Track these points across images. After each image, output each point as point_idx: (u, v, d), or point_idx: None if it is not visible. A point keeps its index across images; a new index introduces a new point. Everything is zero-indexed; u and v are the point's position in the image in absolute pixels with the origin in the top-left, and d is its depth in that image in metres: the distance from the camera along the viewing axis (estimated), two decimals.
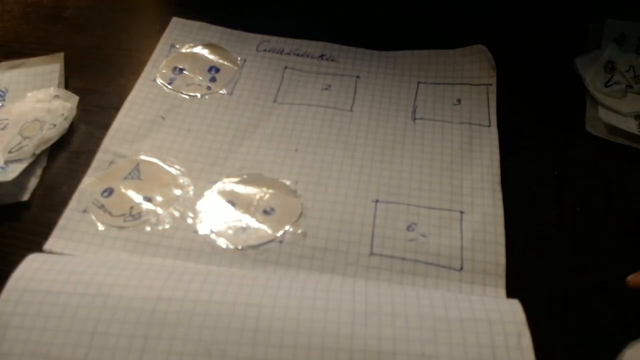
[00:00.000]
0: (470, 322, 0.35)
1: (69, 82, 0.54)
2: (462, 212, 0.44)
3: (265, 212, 0.44)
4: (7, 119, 0.50)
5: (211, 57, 0.56)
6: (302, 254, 0.42)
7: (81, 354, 0.33)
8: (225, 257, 0.41)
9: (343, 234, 0.43)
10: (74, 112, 0.50)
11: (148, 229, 0.43)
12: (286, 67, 0.55)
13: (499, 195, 0.45)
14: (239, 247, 0.42)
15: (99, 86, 0.54)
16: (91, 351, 0.33)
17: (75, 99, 0.51)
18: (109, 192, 0.45)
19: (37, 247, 0.41)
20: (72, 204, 0.44)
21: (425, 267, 0.41)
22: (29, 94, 0.52)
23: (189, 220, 0.43)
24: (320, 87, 0.53)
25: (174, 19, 0.59)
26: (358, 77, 0.54)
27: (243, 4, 0.62)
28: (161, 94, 0.52)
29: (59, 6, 0.63)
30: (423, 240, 0.43)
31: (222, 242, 0.42)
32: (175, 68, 0.54)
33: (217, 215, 0.44)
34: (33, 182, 0.46)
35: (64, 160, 0.48)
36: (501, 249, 0.42)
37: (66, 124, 0.49)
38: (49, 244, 0.41)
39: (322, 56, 0.56)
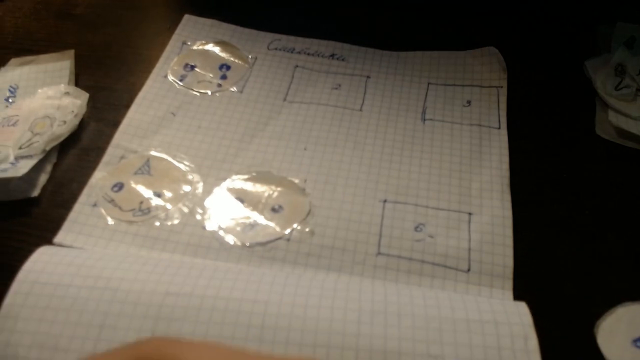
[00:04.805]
0: (476, 324, 0.35)
1: (79, 79, 0.54)
2: (470, 214, 0.44)
3: (274, 210, 0.44)
4: (17, 115, 0.50)
5: (222, 54, 0.56)
6: (310, 252, 0.42)
7: (89, 347, 0.33)
8: (232, 254, 0.42)
9: (351, 233, 0.43)
10: (84, 110, 0.51)
11: (157, 224, 0.43)
12: (297, 66, 0.55)
13: (507, 197, 0.45)
14: (247, 244, 0.42)
15: (109, 84, 0.54)
16: (99, 344, 0.33)
17: (85, 96, 0.51)
18: (119, 186, 0.45)
19: (47, 242, 0.41)
20: (83, 197, 0.44)
21: (432, 268, 0.41)
22: (39, 91, 0.52)
23: (198, 216, 0.43)
24: (330, 87, 0.53)
25: (186, 16, 0.59)
26: (368, 77, 0.54)
27: (254, 2, 0.62)
28: (172, 91, 0.53)
29: (69, 3, 0.63)
30: (430, 241, 0.43)
31: (230, 239, 0.42)
32: (186, 65, 0.55)
33: (225, 211, 0.44)
34: (43, 179, 0.46)
35: (74, 157, 0.48)
36: (509, 251, 0.42)
37: (76, 121, 0.50)
38: (59, 237, 0.42)
39: (332, 55, 0.56)
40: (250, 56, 0.56)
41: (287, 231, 0.43)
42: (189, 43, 0.57)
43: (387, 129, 0.50)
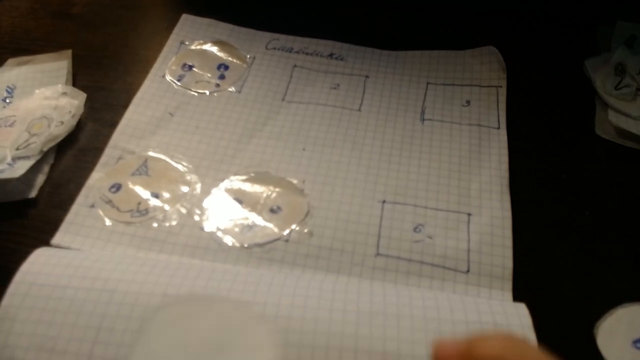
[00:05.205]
0: (476, 325, 0.34)
1: (77, 79, 0.54)
2: (469, 215, 0.44)
3: (272, 211, 0.44)
4: (14, 116, 0.50)
5: (220, 54, 0.56)
6: (308, 253, 0.42)
7: (86, 349, 0.33)
8: (231, 255, 0.41)
9: (349, 234, 0.43)
10: (81, 110, 0.50)
11: (155, 225, 0.43)
12: (295, 66, 0.55)
13: (507, 197, 0.45)
14: (245, 245, 0.42)
15: (106, 84, 0.54)
16: (96, 346, 0.33)
17: (82, 96, 0.51)
18: (117, 187, 0.45)
19: (44, 243, 0.41)
20: (80, 198, 0.44)
21: (431, 268, 0.41)
22: (36, 91, 0.52)
23: (196, 217, 0.43)
24: (329, 86, 0.53)
25: (184, 16, 0.59)
26: (367, 76, 0.54)
27: (253, 1, 0.61)
28: (170, 91, 0.52)
29: (66, 3, 0.63)
30: (429, 242, 0.42)
31: (228, 240, 0.42)
32: (184, 65, 0.54)
33: (223, 212, 0.44)
34: (40, 179, 0.46)
35: (71, 157, 0.48)
36: (508, 252, 0.42)
37: (73, 122, 0.49)
38: (56, 239, 0.42)
39: (331, 55, 0.56)
40: (248, 56, 0.56)
41: (286, 232, 0.43)
42: (186, 43, 0.57)
43: (385, 129, 0.50)
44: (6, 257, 0.41)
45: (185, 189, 0.45)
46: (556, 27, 0.59)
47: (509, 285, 0.40)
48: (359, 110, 0.52)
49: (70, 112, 0.50)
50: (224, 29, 0.58)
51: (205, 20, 0.59)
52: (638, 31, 0.56)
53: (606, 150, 0.49)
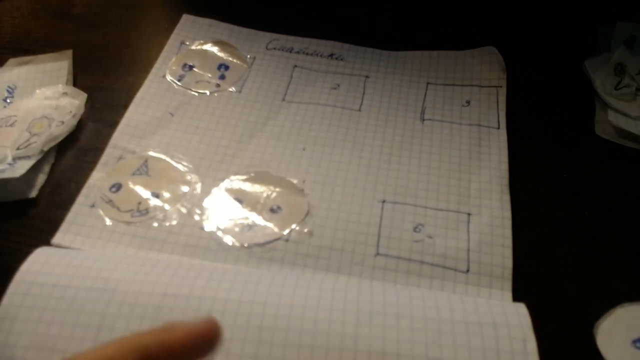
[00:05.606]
0: (475, 325, 0.34)
1: (77, 79, 0.54)
2: (469, 214, 0.44)
3: (272, 211, 0.44)
4: (15, 116, 0.50)
5: (221, 54, 0.56)
6: (308, 253, 0.42)
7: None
8: (231, 255, 0.41)
9: (349, 233, 0.43)
10: (82, 110, 0.51)
11: (155, 224, 0.43)
12: (295, 66, 0.55)
13: (506, 197, 0.45)
14: (245, 244, 0.42)
15: (107, 84, 0.54)
16: None
17: (83, 96, 0.51)
18: (117, 187, 0.45)
19: (44, 243, 0.41)
20: (81, 198, 0.44)
21: (431, 268, 0.41)
22: (37, 91, 0.52)
23: (196, 217, 0.43)
24: (329, 87, 0.53)
25: (185, 16, 0.59)
26: (367, 76, 0.54)
27: (254, 2, 0.62)
28: (170, 91, 0.52)
29: (67, 3, 0.63)
30: (429, 242, 0.42)
31: (229, 240, 0.42)
32: (185, 65, 0.55)
33: (224, 212, 0.44)
34: (41, 179, 0.46)
35: (72, 157, 0.48)
36: (508, 252, 0.42)
37: (74, 122, 0.50)
38: (56, 238, 0.42)
39: (331, 55, 0.56)
40: (248, 56, 0.56)
41: (286, 232, 0.43)
42: (187, 43, 0.57)
43: (386, 129, 0.50)
44: (6, 257, 0.41)
45: (185, 188, 0.45)
46: (556, 27, 0.59)
47: (508, 285, 0.40)
48: (359, 110, 0.52)
49: (70, 112, 0.50)
50: (224, 29, 0.58)
51: (206, 21, 0.59)
52: (638, 31, 0.56)
53: (606, 150, 0.49)
